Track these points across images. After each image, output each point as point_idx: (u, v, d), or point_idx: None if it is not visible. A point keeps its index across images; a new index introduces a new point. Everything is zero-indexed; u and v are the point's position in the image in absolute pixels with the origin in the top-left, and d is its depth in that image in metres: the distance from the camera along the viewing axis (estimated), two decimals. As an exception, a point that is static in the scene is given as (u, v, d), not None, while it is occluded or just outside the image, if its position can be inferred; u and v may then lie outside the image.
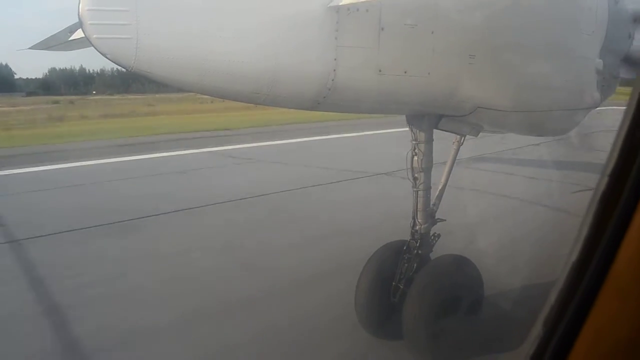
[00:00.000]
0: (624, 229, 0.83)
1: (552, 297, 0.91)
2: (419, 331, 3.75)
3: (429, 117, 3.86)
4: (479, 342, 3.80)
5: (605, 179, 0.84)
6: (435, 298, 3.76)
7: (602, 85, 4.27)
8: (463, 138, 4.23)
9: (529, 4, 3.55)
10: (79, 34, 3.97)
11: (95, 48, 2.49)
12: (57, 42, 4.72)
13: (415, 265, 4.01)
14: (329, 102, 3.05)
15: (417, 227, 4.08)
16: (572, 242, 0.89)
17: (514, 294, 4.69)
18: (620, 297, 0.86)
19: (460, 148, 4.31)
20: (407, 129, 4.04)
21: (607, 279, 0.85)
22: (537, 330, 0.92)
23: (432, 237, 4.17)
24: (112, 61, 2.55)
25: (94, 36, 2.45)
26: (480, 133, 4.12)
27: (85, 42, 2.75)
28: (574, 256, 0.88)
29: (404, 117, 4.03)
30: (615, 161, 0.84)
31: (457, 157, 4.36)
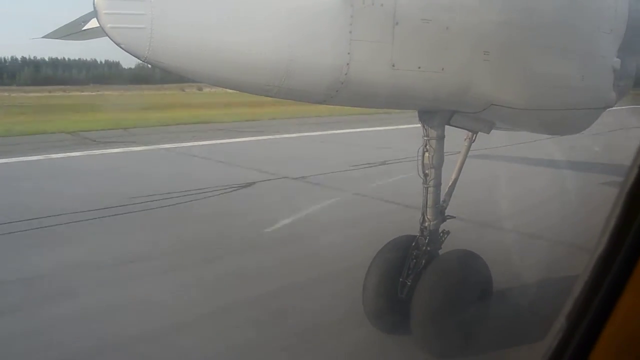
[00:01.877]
0: None
1: (576, 290, 0.89)
2: (426, 326, 3.74)
3: (442, 113, 3.83)
4: (492, 337, 3.80)
5: (635, 170, 0.82)
6: (443, 293, 3.75)
7: (618, 84, 4.22)
8: (475, 135, 4.19)
9: (546, 2, 3.50)
10: (93, 23, 3.99)
11: (110, 37, 2.50)
12: (71, 31, 4.76)
13: (423, 261, 3.99)
14: (341, 96, 3.04)
15: (427, 224, 4.06)
16: (599, 235, 0.87)
17: (526, 288, 4.67)
18: None
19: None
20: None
21: (634, 272, 0.83)
22: (559, 324, 0.91)
23: (442, 234, 4.15)
24: (126, 51, 2.56)
25: (108, 25, 2.46)
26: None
27: (98, 31, 2.76)
28: (600, 249, 0.87)
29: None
30: None
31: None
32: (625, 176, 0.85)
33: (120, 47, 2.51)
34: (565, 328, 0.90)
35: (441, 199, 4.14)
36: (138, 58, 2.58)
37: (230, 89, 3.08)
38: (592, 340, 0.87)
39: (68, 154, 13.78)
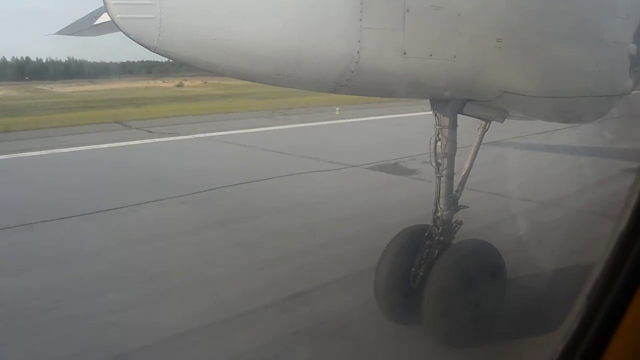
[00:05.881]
0: None
1: (597, 270, 0.87)
2: (439, 316, 3.72)
3: (454, 102, 3.78)
4: (506, 327, 3.78)
5: None
6: (455, 283, 3.72)
7: (635, 71, 4.13)
8: (488, 124, 4.14)
9: None
10: (104, 18, 4.01)
11: (119, 28, 2.50)
12: (83, 27, 4.79)
13: (436, 252, 3.96)
14: (352, 84, 3.01)
15: (440, 214, 4.03)
16: (619, 214, 0.85)
17: (542, 277, 4.62)
18: None
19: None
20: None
21: None
22: (580, 305, 0.88)
23: (454, 224, 4.11)
24: (136, 41, 2.56)
25: (117, 16, 2.46)
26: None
27: (110, 26, 2.77)
28: (622, 227, 0.84)
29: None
30: None
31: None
32: None
33: (130, 38, 2.51)
34: (586, 310, 0.88)
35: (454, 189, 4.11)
36: (147, 48, 2.57)
37: (241, 78, 3.07)
38: (614, 322, 0.85)
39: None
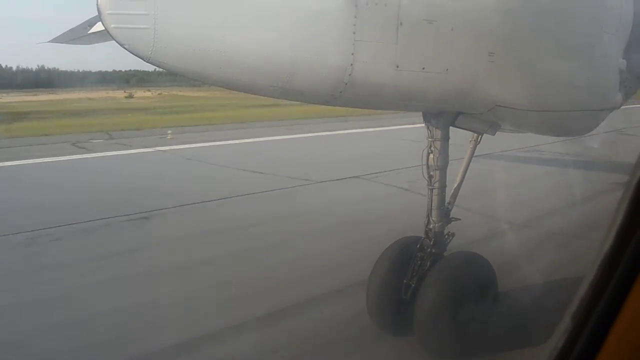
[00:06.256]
0: None
1: (582, 290, 0.87)
2: (430, 327, 3.71)
3: (446, 115, 3.81)
4: (496, 338, 3.78)
5: None
6: (447, 295, 3.73)
7: (625, 85, 4.18)
8: (480, 136, 4.17)
9: (551, 2, 3.49)
10: (98, 26, 4.01)
11: (113, 38, 2.50)
12: (77, 35, 4.79)
13: (428, 263, 3.97)
14: (345, 97, 3.03)
15: (432, 226, 4.04)
16: (605, 232, 0.85)
17: (533, 290, 4.63)
18: None
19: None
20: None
21: None
22: (565, 324, 0.89)
23: (446, 236, 4.13)
24: (130, 51, 2.56)
25: (112, 26, 2.47)
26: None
27: (104, 35, 2.77)
28: (607, 246, 0.85)
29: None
30: None
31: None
32: (631, 174, 0.83)
33: (124, 48, 2.51)
34: (571, 329, 0.88)
35: (446, 201, 4.13)
36: (141, 58, 2.58)
37: (234, 90, 3.07)
38: (598, 341, 0.85)
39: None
